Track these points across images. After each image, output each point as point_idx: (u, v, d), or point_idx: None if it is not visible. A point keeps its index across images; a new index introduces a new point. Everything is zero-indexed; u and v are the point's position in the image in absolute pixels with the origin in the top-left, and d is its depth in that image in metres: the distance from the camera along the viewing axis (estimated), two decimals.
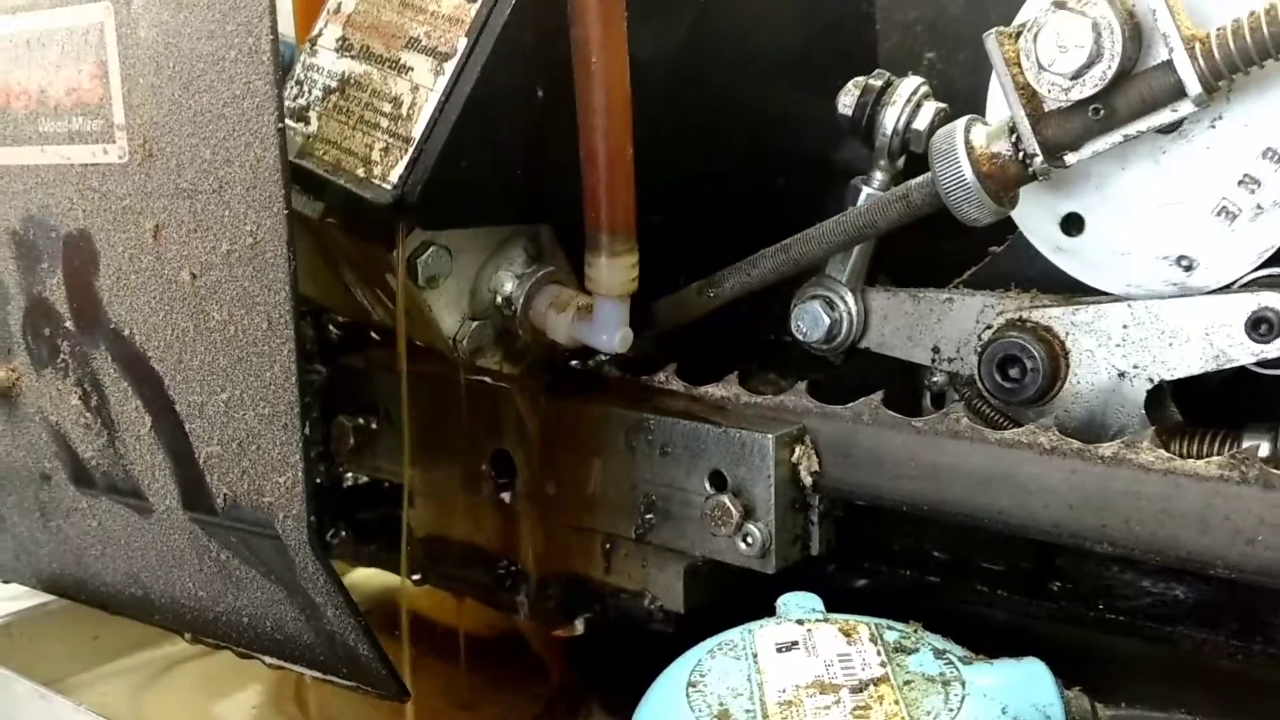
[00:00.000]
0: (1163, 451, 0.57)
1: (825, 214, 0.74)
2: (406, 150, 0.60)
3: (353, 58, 0.64)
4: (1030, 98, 0.58)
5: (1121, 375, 0.64)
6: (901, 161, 0.73)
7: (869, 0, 0.82)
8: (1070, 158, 0.59)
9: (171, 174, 0.56)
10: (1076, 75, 0.56)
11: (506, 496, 0.77)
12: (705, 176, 0.75)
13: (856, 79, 0.72)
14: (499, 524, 0.80)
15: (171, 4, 0.55)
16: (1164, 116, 0.57)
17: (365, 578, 0.93)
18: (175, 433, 0.59)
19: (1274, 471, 0.54)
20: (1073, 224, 0.65)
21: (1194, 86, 0.55)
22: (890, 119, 0.71)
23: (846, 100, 0.72)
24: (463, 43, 0.60)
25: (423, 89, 0.60)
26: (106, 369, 0.62)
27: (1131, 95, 0.56)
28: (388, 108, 0.61)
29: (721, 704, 0.52)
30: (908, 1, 0.93)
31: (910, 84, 0.72)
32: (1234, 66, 0.54)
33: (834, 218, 0.70)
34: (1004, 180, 0.61)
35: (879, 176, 0.73)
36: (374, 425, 0.84)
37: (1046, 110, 0.58)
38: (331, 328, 0.88)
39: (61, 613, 0.88)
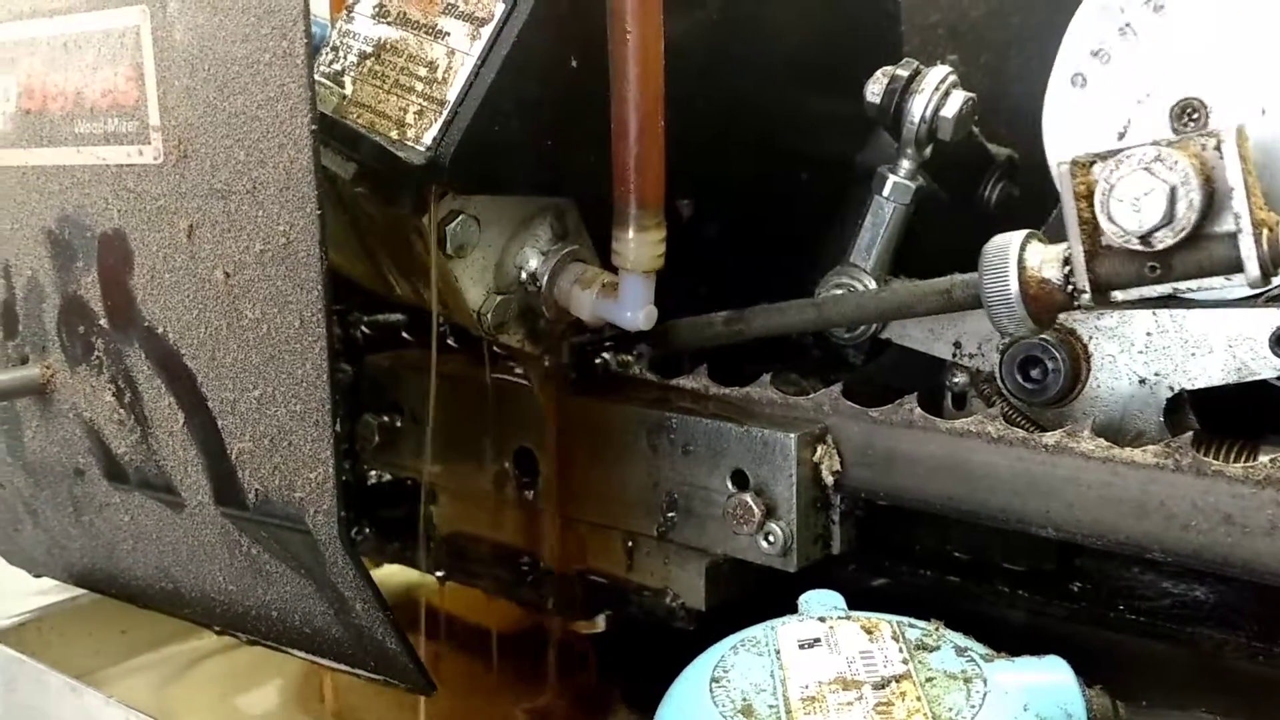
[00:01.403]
0: (1102, 440, 0.59)
1: (847, 211, 0.75)
2: (441, 113, 0.61)
3: (389, 24, 0.64)
4: (1091, 233, 0.57)
5: (1142, 382, 0.64)
6: (929, 150, 0.74)
7: (894, 2, 0.82)
8: (1118, 296, 0.58)
9: (206, 175, 0.57)
10: (1144, 232, 0.55)
11: (529, 494, 0.78)
12: (726, 170, 0.75)
13: (885, 68, 0.73)
14: (522, 521, 0.80)
15: (207, 7, 0.56)
16: (1215, 284, 0.55)
17: (388, 575, 0.94)
18: (208, 429, 0.60)
19: (1206, 460, 0.56)
20: None
21: (1253, 270, 0.54)
22: (918, 107, 0.71)
23: (875, 88, 0.72)
24: (500, 8, 0.61)
25: (459, 53, 0.61)
26: (140, 366, 0.63)
27: (1190, 259, 0.55)
28: (423, 72, 0.62)
29: (745, 699, 0.52)
30: (929, 5, 0.93)
31: (939, 72, 0.72)
32: None
33: (872, 291, 0.70)
34: (1049, 305, 0.59)
35: (905, 165, 0.73)
36: (399, 424, 0.85)
37: (1104, 245, 0.57)
38: (359, 328, 0.89)
39: (91, 607, 0.89)
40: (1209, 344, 0.61)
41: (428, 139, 0.61)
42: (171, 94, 0.58)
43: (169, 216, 0.59)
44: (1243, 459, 0.61)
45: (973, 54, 0.91)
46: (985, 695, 0.51)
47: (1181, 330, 0.62)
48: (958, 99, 0.71)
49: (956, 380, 0.74)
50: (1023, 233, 0.60)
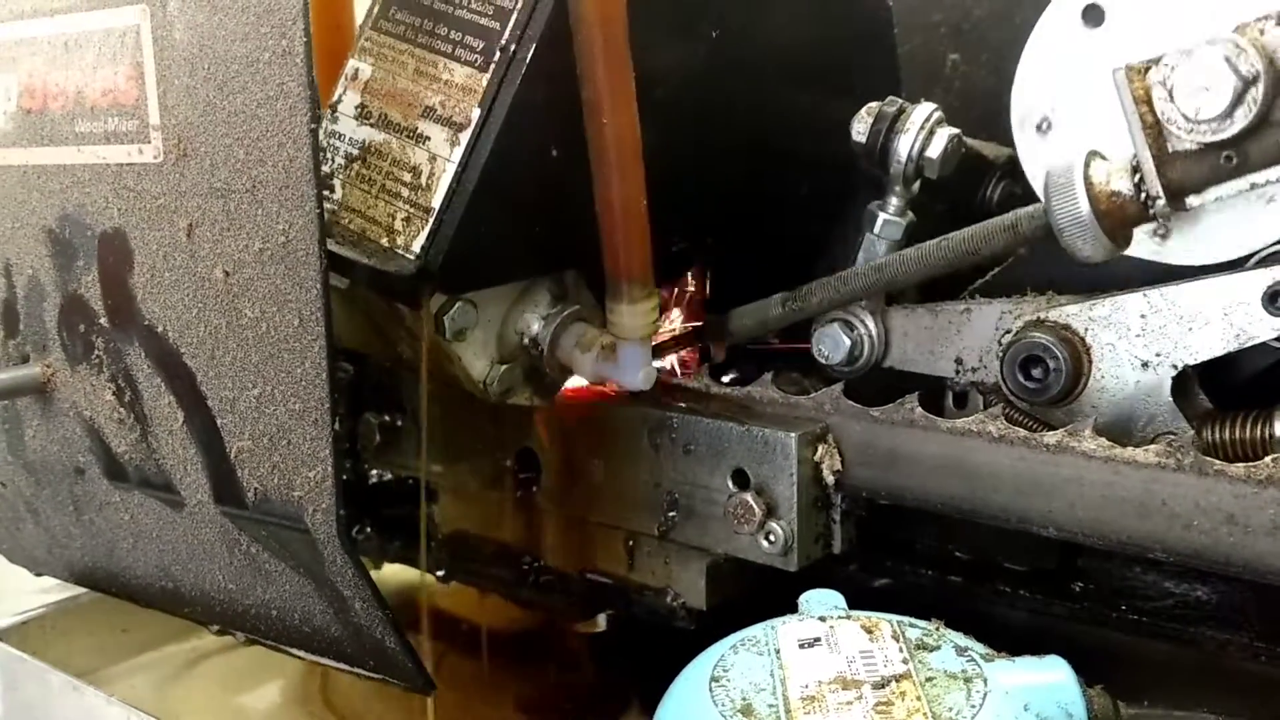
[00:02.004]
0: (1104, 439, 0.59)
1: (849, 217, 0.75)
2: (427, 220, 0.61)
3: (372, 125, 0.65)
4: (1157, 136, 0.56)
5: (1145, 365, 0.64)
6: (916, 186, 0.73)
7: (886, 8, 0.82)
8: (1193, 200, 0.57)
9: (205, 174, 0.57)
10: (1213, 120, 0.54)
11: (530, 494, 0.78)
12: (725, 187, 0.75)
13: (870, 105, 0.72)
14: (523, 521, 0.80)
15: (206, 7, 0.56)
16: None
17: (388, 575, 0.94)
18: (207, 428, 0.60)
19: (1207, 459, 0.56)
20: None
21: None
22: (904, 146, 0.71)
23: (860, 128, 0.72)
24: (476, 113, 0.61)
25: (440, 159, 0.62)
26: (140, 365, 0.63)
27: (1267, 144, 0.54)
28: (408, 177, 0.63)
29: (744, 698, 0.52)
30: (931, 4, 0.93)
31: (923, 111, 0.71)
32: None
33: (934, 241, 0.69)
34: (1122, 219, 0.59)
35: (894, 202, 0.73)
36: (399, 423, 0.85)
37: (1172, 150, 0.56)
38: None
39: (91, 606, 0.89)
40: (1204, 316, 0.61)
41: (416, 247, 0.61)
42: (171, 93, 0.58)
43: (169, 215, 0.59)
44: (1257, 429, 0.61)
45: (975, 53, 0.91)
46: (986, 695, 0.51)
47: (1175, 306, 0.62)
48: (943, 137, 0.71)
49: (957, 379, 0.74)
50: (1085, 152, 0.59)
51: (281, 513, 0.58)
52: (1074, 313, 0.65)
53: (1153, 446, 0.57)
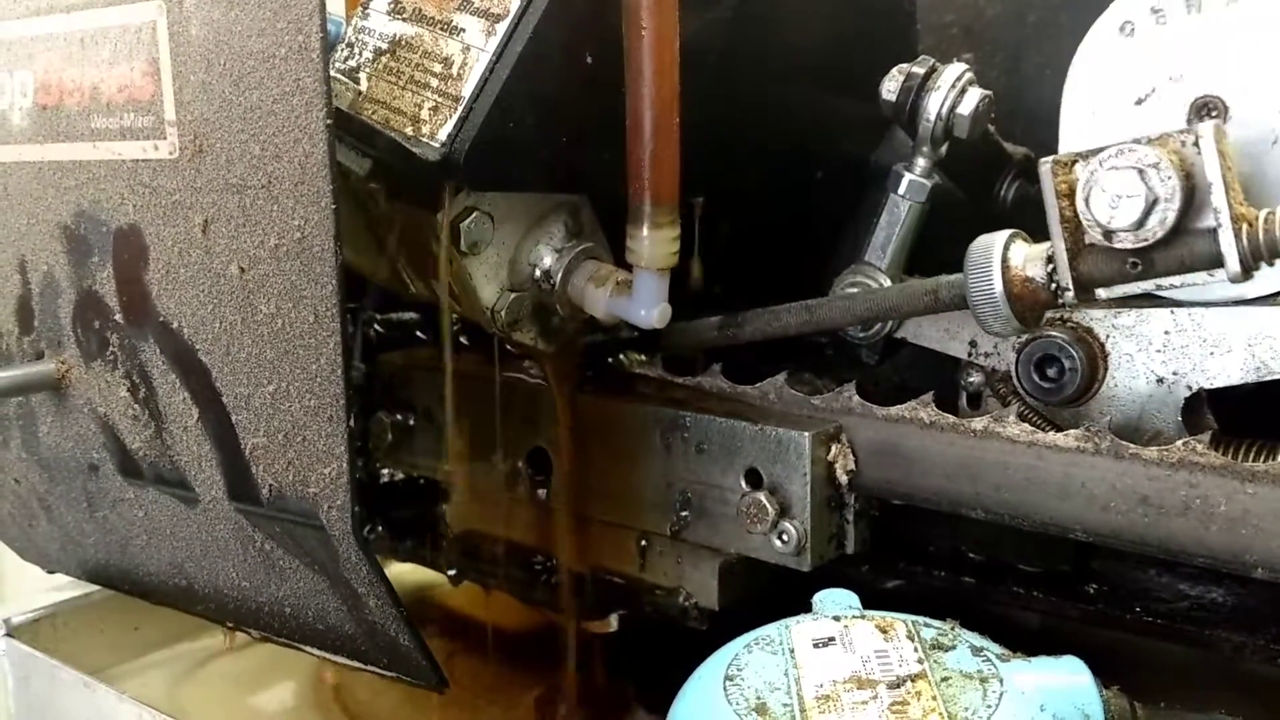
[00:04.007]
0: (1027, 425, 0.61)
1: (862, 210, 0.75)
2: (455, 109, 0.61)
3: (405, 20, 0.64)
4: (1073, 230, 0.57)
5: (1160, 381, 0.64)
6: (944, 148, 0.73)
7: (910, 1, 0.82)
8: (1102, 294, 0.58)
9: (221, 169, 0.57)
10: (1123, 231, 0.55)
11: (542, 493, 0.78)
12: (741, 169, 0.75)
13: (900, 65, 0.72)
14: (535, 520, 0.80)
15: (223, 2, 0.56)
16: (1198, 279, 0.56)
17: (399, 573, 0.94)
18: (222, 424, 0.60)
19: (1124, 443, 0.58)
20: None
21: (1234, 265, 0.54)
22: (934, 104, 0.71)
23: (890, 86, 0.72)
24: (515, 4, 0.61)
25: (474, 49, 0.61)
26: (155, 361, 0.63)
27: (1171, 255, 0.56)
28: (438, 68, 0.62)
29: (759, 698, 0.52)
30: (943, 4, 0.93)
31: (955, 70, 0.71)
32: (1276, 253, 0.54)
33: (863, 292, 0.70)
34: (1033, 304, 0.60)
35: (921, 163, 0.73)
36: (412, 422, 0.85)
37: (1087, 243, 0.57)
38: (373, 327, 0.89)
39: (103, 604, 0.90)
40: (1228, 343, 0.61)
41: (443, 135, 0.61)
42: (187, 89, 0.58)
43: (184, 211, 0.60)
44: (1262, 459, 0.61)
45: (988, 53, 0.91)
46: (1002, 695, 0.50)
47: (1200, 329, 0.62)
48: (974, 96, 0.71)
49: (972, 380, 0.74)
50: (1006, 232, 0.61)
51: (296, 509, 0.58)
52: (1098, 317, 0.65)
53: (1073, 431, 0.60)
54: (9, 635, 0.86)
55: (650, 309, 0.66)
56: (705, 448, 0.69)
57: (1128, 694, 0.54)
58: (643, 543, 0.75)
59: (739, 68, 0.71)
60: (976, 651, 0.54)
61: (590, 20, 0.61)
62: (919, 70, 0.71)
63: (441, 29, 0.63)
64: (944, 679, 0.52)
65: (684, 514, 0.71)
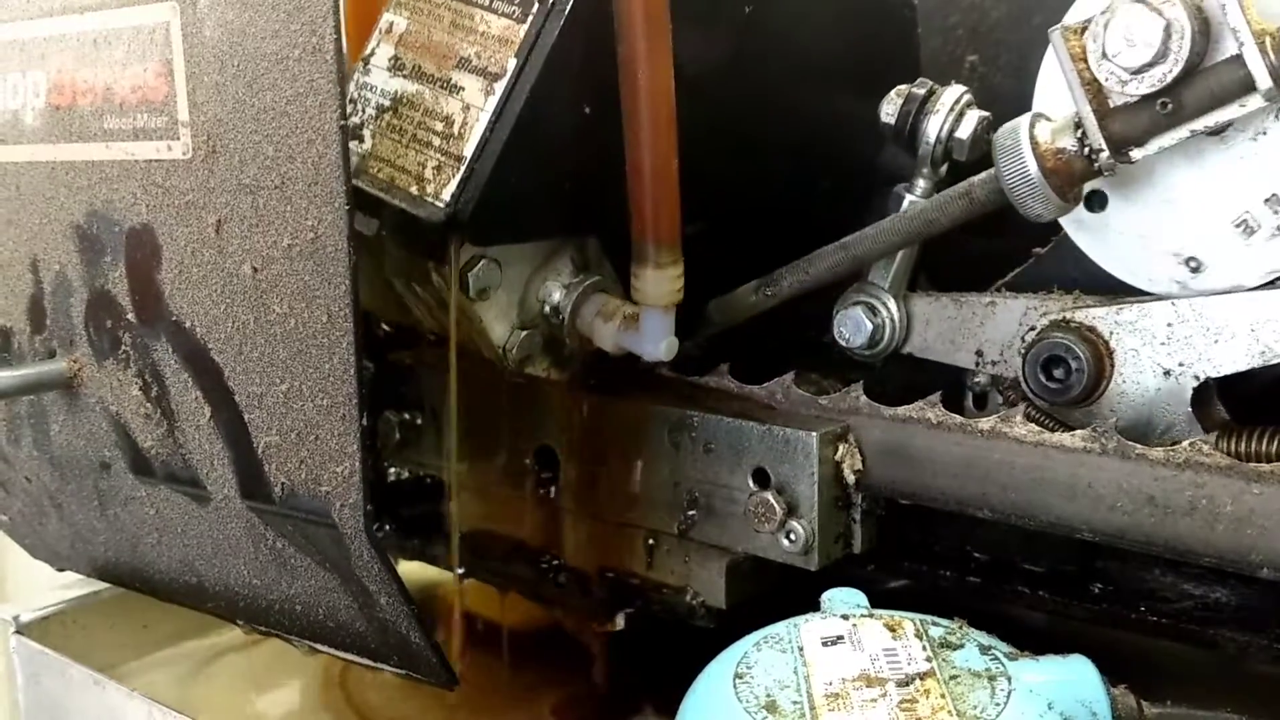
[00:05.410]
0: (1033, 425, 0.62)
1: (870, 218, 0.75)
2: (458, 169, 0.62)
3: (405, 77, 0.65)
4: (1096, 93, 0.58)
5: (1167, 373, 0.64)
6: (944, 169, 0.74)
7: (911, 6, 0.82)
8: (1136, 153, 0.59)
9: (234, 170, 0.58)
10: (1143, 70, 0.56)
11: (550, 492, 0.78)
12: (753, 181, 0.76)
13: (899, 88, 0.73)
14: (542, 519, 0.80)
15: (237, 4, 0.56)
16: (1232, 111, 0.56)
17: (407, 572, 0.94)
18: (234, 423, 0.61)
19: (1130, 444, 0.59)
20: (1096, 201, 0.65)
21: (1264, 80, 0.54)
22: (933, 127, 0.71)
23: (889, 109, 0.73)
24: (512, 63, 0.61)
25: (474, 108, 0.62)
26: (167, 360, 0.64)
27: (1200, 90, 0.56)
28: (440, 126, 0.63)
29: (769, 695, 0.52)
30: (949, 6, 0.93)
31: (953, 93, 0.72)
32: None
33: (893, 216, 0.70)
34: (1069, 176, 0.60)
35: (921, 184, 0.73)
36: (419, 421, 0.85)
37: (1112, 105, 0.58)
38: (380, 326, 0.89)
39: (113, 601, 0.90)
40: (1231, 330, 0.61)
41: (446, 195, 0.62)
42: (201, 90, 0.59)
43: (197, 211, 0.60)
44: (1274, 444, 0.61)
45: (993, 55, 0.91)
46: (1010, 693, 0.51)
47: (1202, 318, 0.62)
48: (972, 119, 0.72)
49: (978, 380, 0.75)
50: (1028, 114, 0.61)
51: (309, 507, 0.58)
52: (1100, 315, 0.65)
53: (1079, 432, 0.60)
54: (19, 633, 0.87)
55: (657, 344, 0.67)
56: (713, 447, 0.70)
57: (1135, 692, 0.54)
58: (650, 541, 0.75)
59: (741, 87, 0.71)
60: (984, 650, 0.54)
61: (586, 73, 0.62)
62: (918, 92, 0.72)
63: (441, 87, 0.64)
64: (952, 677, 0.52)
65: (691, 513, 0.71)
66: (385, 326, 0.89)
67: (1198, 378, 0.63)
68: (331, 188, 0.54)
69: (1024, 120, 0.61)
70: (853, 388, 0.69)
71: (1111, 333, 0.65)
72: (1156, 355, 0.64)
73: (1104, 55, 0.57)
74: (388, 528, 0.91)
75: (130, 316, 0.65)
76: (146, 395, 0.66)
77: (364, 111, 0.66)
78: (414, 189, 0.63)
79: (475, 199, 0.61)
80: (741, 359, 0.76)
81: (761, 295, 0.75)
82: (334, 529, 0.57)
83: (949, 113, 0.71)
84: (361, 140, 0.65)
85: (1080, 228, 0.66)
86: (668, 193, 0.63)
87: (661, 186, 0.62)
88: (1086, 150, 0.59)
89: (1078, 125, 0.59)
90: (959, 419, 0.64)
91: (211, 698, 0.88)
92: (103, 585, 0.86)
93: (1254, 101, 0.55)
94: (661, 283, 0.65)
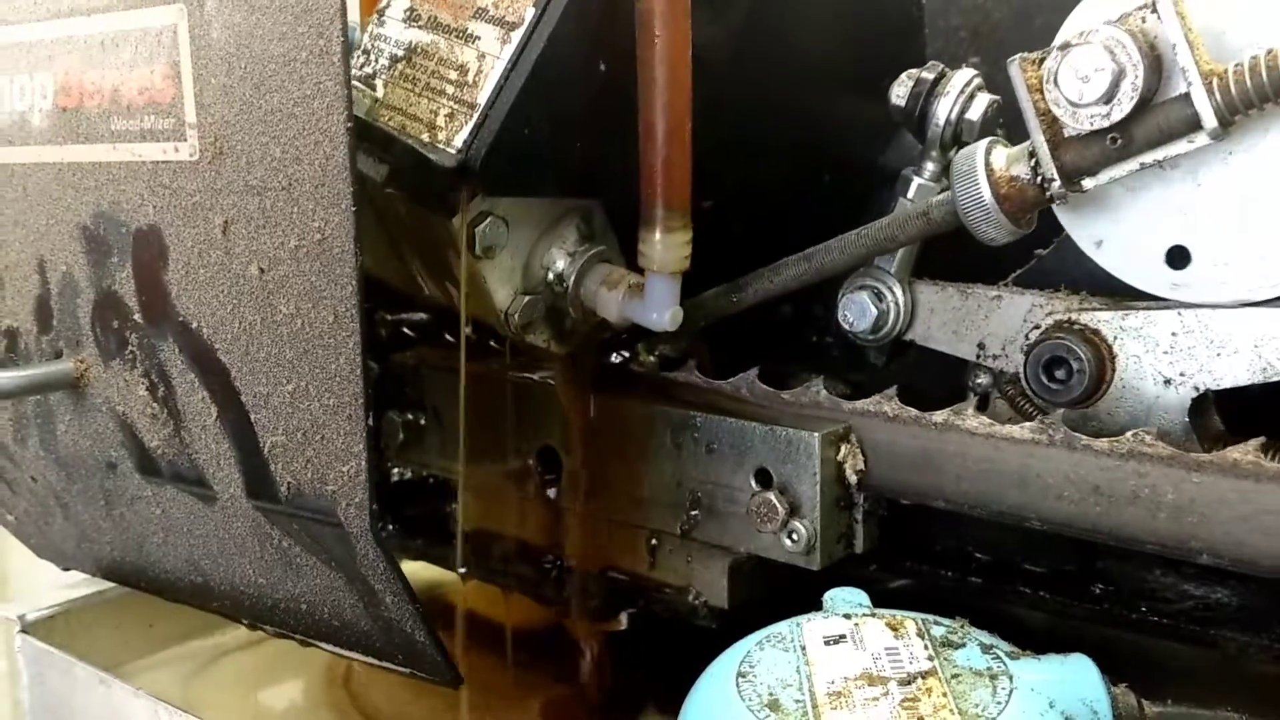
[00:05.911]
0: (984, 418, 0.63)
1: (870, 215, 0.75)
2: (471, 115, 0.62)
3: (420, 27, 0.65)
4: (1050, 123, 0.59)
5: (1167, 382, 0.64)
6: (953, 153, 0.74)
7: (918, 5, 0.83)
8: (1088, 183, 0.60)
9: (241, 171, 0.58)
10: (1095, 105, 0.57)
11: (552, 492, 0.78)
12: (752, 174, 0.76)
13: (910, 70, 0.73)
14: (544, 519, 0.81)
15: (244, 6, 0.57)
16: (1180, 147, 0.58)
17: (410, 572, 0.94)
18: (241, 423, 0.61)
19: (1076, 435, 0.60)
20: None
21: (1210, 121, 0.56)
22: (943, 110, 0.72)
23: (900, 91, 0.73)
24: (530, 12, 0.61)
25: (489, 56, 0.62)
26: (174, 360, 0.64)
27: (1149, 126, 0.58)
28: (454, 75, 0.63)
29: (771, 694, 0.53)
30: (951, 7, 0.94)
31: (964, 75, 0.72)
32: (1250, 103, 0.55)
33: (856, 230, 0.71)
34: (1022, 203, 0.62)
35: (930, 167, 0.74)
36: (422, 421, 0.85)
37: (1065, 136, 0.59)
38: (381, 328, 0.90)
39: (118, 601, 0.90)
40: (1234, 344, 0.62)
41: (458, 142, 0.62)
42: (208, 91, 0.59)
43: (204, 213, 0.60)
44: (1271, 460, 0.61)
45: (995, 56, 0.91)
46: (1011, 692, 0.51)
47: (1207, 330, 0.62)
48: (983, 102, 0.72)
49: (979, 381, 0.75)
50: (985, 140, 0.63)
51: (314, 507, 0.59)
52: (1106, 319, 0.66)
53: (1028, 424, 0.62)
54: (24, 632, 0.87)
55: (662, 312, 0.67)
56: (715, 447, 0.70)
57: (1135, 691, 0.55)
58: (653, 541, 0.76)
59: (749, 73, 0.72)
60: (986, 649, 0.55)
61: (604, 29, 0.62)
62: (928, 75, 0.72)
63: (457, 36, 0.64)
64: (954, 676, 0.52)
65: (694, 513, 0.71)
66: (386, 329, 0.89)
67: (1197, 389, 0.63)
68: (338, 189, 0.54)
69: (980, 146, 0.63)
70: (813, 381, 0.70)
71: (1115, 337, 0.66)
72: (1158, 363, 0.64)
73: (1058, 89, 0.58)
74: (390, 528, 0.91)
75: (137, 317, 0.65)
76: (153, 395, 0.66)
77: (376, 62, 0.66)
78: (425, 136, 0.63)
79: (487, 146, 0.61)
80: (741, 358, 0.76)
81: (727, 300, 0.75)
82: (339, 528, 0.58)
83: (959, 95, 0.72)
84: (373, 89, 0.65)
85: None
86: (680, 154, 0.62)
87: (674, 147, 0.62)
88: (1039, 179, 0.61)
89: (1031, 154, 0.61)
90: (914, 412, 0.65)
91: (216, 697, 0.88)
92: (108, 584, 0.86)
93: (1200, 139, 0.57)
94: (670, 248, 0.64)
